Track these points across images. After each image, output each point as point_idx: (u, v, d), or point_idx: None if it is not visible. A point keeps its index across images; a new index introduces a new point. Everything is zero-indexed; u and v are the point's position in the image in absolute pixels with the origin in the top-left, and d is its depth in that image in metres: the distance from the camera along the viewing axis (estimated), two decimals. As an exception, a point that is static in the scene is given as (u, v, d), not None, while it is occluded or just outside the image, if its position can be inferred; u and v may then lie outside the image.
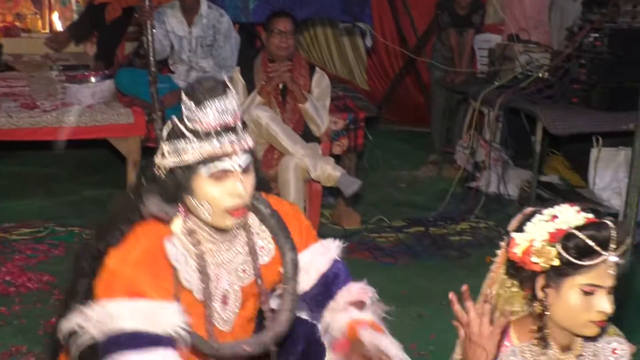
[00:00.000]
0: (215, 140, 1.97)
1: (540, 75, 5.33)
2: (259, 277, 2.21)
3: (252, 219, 2.22)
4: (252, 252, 2.22)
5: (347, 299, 2.29)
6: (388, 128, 7.33)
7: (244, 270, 2.22)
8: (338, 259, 2.35)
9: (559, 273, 1.81)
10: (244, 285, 2.23)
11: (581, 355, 1.95)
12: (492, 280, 2.02)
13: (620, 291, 1.86)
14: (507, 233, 1.94)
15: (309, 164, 4.37)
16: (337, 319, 2.27)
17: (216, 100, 1.96)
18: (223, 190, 2.00)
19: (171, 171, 2.00)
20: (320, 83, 4.67)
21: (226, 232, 2.14)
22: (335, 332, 2.25)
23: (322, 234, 4.73)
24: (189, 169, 1.97)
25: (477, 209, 5.35)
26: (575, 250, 1.78)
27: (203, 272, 2.12)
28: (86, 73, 5.32)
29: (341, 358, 2.22)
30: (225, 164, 1.98)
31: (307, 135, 4.56)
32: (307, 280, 2.29)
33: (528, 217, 1.89)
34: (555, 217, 1.84)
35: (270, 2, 5.86)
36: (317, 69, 4.81)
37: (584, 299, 1.81)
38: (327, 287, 2.31)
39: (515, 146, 5.82)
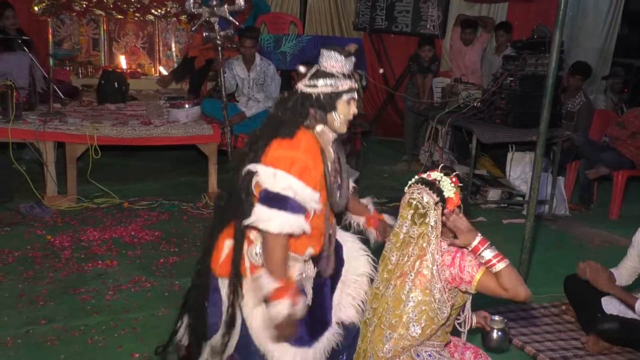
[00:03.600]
0: (351, 79, 2.06)
1: (475, 104, 5.31)
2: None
3: None
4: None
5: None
6: (376, 138, 7.33)
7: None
8: None
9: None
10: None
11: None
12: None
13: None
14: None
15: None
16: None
17: (347, 57, 2.04)
18: (351, 109, 2.07)
19: (327, 96, 2.02)
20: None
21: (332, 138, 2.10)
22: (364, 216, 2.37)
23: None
24: (338, 95, 2.03)
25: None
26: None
27: (339, 160, 2.14)
28: (182, 102, 5.33)
29: (374, 229, 2.38)
30: (354, 94, 2.07)
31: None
32: None
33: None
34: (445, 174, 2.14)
35: (300, 56, 5.88)
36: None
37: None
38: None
39: (458, 150, 5.82)
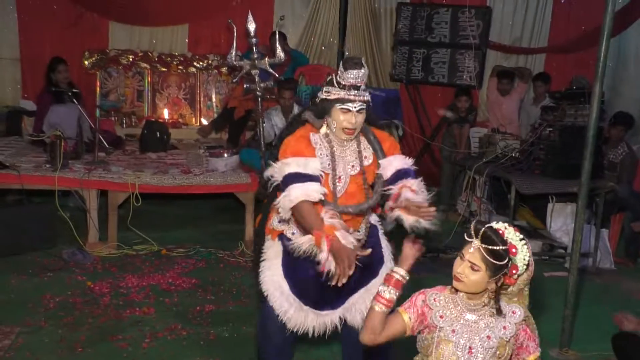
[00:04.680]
0: (347, 91, 2.34)
1: (513, 154, 5.27)
2: (363, 171, 2.49)
3: (363, 140, 2.52)
4: (360, 156, 2.49)
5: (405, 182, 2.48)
6: (412, 187, 7.27)
7: (352, 166, 2.48)
8: (411, 166, 2.52)
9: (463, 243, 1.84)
10: (352, 174, 2.48)
11: (486, 305, 1.85)
12: None
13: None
14: None
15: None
16: (395, 184, 2.49)
17: (354, 70, 2.33)
18: (344, 118, 2.37)
19: (323, 101, 2.39)
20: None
21: (344, 141, 2.46)
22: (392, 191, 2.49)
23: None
24: (331, 102, 2.36)
25: (471, 242, 5.24)
26: (467, 231, 1.82)
27: (332, 156, 2.44)
28: (221, 151, 5.42)
29: (394, 204, 2.48)
30: (349, 105, 2.35)
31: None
32: (387, 171, 2.50)
33: None
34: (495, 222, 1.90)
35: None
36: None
37: (457, 260, 1.83)
38: (398, 177, 2.49)
39: (496, 201, 5.72)
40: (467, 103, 6.33)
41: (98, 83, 6.83)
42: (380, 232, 2.69)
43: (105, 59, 6.85)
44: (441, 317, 1.85)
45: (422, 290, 1.92)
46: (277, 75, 4.89)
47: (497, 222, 1.82)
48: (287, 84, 5.25)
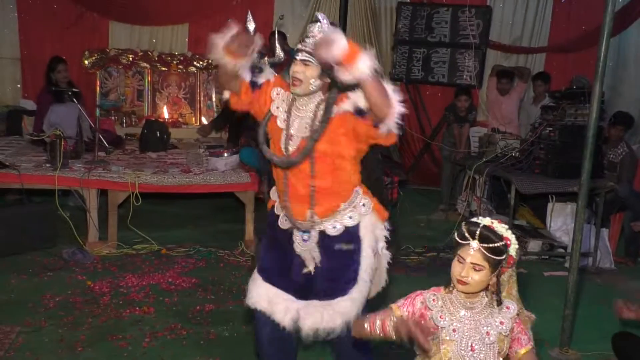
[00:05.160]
0: (300, 45, 2.32)
1: (513, 154, 5.27)
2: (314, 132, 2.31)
3: (323, 103, 2.33)
4: (315, 118, 2.33)
5: None
6: (413, 187, 7.30)
7: (306, 127, 2.34)
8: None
9: (455, 246, 1.86)
10: (303, 136, 2.34)
11: (485, 301, 1.88)
12: None
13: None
14: None
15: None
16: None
17: (311, 23, 2.29)
18: (292, 69, 2.32)
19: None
20: (370, 158, 4.68)
21: (301, 98, 2.35)
22: None
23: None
24: (293, 55, 2.32)
25: (471, 241, 5.24)
26: (458, 234, 1.82)
27: (288, 112, 2.37)
28: (221, 150, 5.42)
29: None
30: (298, 55, 2.31)
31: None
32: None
33: None
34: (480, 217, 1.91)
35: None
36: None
37: (457, 264, 1.83)
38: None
39: (496, 200, 5.73)
40: (467, 102, 6.33)
41: (98, 82, 6.82)
42: (366, 241, 2.43)
43: (106, 58, 6.84)
44: (441, 317, 1.86)
45: (419, 291, 1.93)
46: (276, 75, 4.88)
47: (479, 218, 1.86)
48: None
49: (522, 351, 1.92)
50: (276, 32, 4.82)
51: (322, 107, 2.31)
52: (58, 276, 4.19)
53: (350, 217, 2.41)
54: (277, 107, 2.40)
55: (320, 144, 2.29)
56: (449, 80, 7.14)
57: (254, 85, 2.46)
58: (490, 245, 1.78)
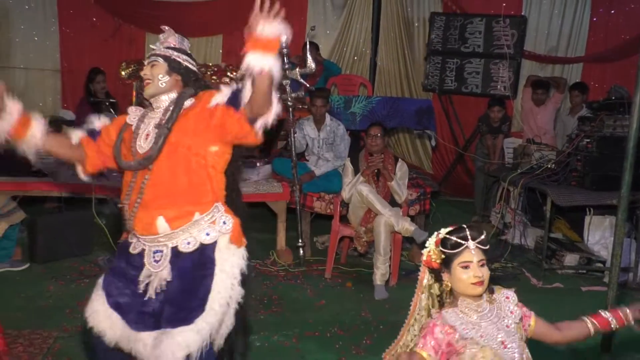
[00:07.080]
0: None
1: (549, 166, 5.17)
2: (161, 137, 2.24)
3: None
4: (159, 127, 2.26)
5: None
6: (445, 198, 7.23)
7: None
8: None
9: (446, 263, 1.88)
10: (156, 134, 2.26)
11: (483, 302, 1.91)
12: (418, 293, 2.02)
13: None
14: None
15: (393, 222, 4.33)
16: None
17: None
18: (141, 74, 2.38)
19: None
20: (401, 169, 4.64)
21: (154, 103, 2.34)
22: None
23: (402, 268, 4.67)
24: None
25: (505, 254, 5.17)
26: (449, 246, 1.87)
27: (141, 117, 2.35)
28: (254, 160, 5.42)
29: None
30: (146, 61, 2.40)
31: (392, 203, 4.53)
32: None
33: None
34: (438, 233, 1.94)
35: (369, 117, 5.93)
36: (399, 159, 4.77)
37: (464, 271, 1.85)
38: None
39: (531, 213, 5.62)
40: (500, 113, 6.25)
41: (134, 93, 6.95)
42: (221, 265, 2.23)
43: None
44: (464, 329, 1.88)
45: (429, 323, 1.91)
46: (307, 85, 4.92)
47: (446, 228, 1.94)
48: (320, 92, 5.27)
49: (532, 322, 1.98)
50: (308, 42, 4.86)
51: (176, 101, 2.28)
52: (94, 283, 4.22)
53: (208, 234, 2.23)
54: (134, 118, 2.36)
55: (174, 134, 2.22)
56: (482, 91, 7.06)
57: (92, 134, 2.44)
58: (482, 237, 1.88)
